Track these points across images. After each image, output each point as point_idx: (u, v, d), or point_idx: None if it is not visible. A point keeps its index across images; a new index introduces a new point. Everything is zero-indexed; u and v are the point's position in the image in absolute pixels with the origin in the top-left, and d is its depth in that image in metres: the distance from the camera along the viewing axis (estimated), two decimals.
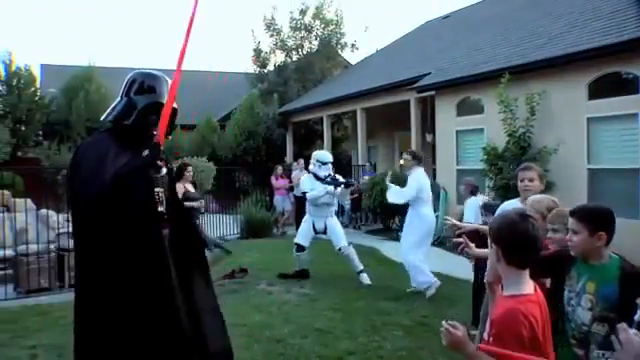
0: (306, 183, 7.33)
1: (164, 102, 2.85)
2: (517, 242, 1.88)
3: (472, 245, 3.04)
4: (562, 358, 2.31)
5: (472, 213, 6.15)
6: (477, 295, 4.75)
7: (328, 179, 7.13)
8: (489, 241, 2.01)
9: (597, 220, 2.30)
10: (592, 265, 2.33)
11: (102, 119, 2.89)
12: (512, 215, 1.95)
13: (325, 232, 7.30)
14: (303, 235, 7.26)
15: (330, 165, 7.35)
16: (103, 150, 2.64)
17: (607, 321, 2.23)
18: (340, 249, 7.09)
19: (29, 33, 61.18)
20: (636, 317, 1.71)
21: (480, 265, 4.58)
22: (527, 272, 1.91)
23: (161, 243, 2.64)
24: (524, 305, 1.81)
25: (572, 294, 2.37)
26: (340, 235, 7.19)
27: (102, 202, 2.53)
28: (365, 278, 6.88)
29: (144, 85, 2.85)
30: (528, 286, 1.90)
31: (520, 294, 1.86)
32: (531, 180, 3.70)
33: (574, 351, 2.37)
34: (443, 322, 1.82)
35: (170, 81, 2.94)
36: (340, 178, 7.36)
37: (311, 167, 7.34)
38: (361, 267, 6.98)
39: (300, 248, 7.18)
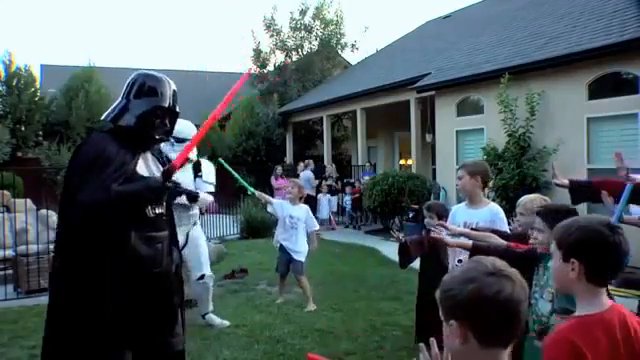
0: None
1: (165, 105, 2.85)
2: (606, 258, 1.64)
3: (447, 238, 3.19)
4: (525, 351, 2.43)
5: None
6: (420, 309, 4.46)
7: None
8: (554, 247, 1.76)
9: (558, 219, 2.30)
10: None
11: (102, 118, 2.89)
12: (598, 226, 1.67)
13: (184, 248, 4.76)
14: None
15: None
16: (105, 154, 2.63)
17: (566, 313, 2.27)
18: (202, 277, 5.12)
19: (29, 33, 61.23)
20: None
21: (427, 273, 4.46)
22: (604, 290, 1.69)
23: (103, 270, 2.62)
24: (578, 329, 1.59)
25: (537, 288, 2.49)
26: (203, 258, 5.19)
27: (97, 209, 2.55)
28: (214, 319, 5.26)
29: (145, 87, 2.84)
30: (601, 303, 1.66)
31: (585, 315, 1.64)
32: (460, 178, 3.76)
33: (534, 343, 2.43)
34: None
35: (173, 86, 2.93)
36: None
37: (162, 146, 4.36)
38: (211, 308, 5.33)
39: None
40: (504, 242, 3.02)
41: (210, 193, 5.21)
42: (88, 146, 2.72)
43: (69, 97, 18.31)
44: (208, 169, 5.37)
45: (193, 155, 5.03)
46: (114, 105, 2.87)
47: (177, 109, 2.93)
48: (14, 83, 17.90)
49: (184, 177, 4.79)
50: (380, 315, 5.49)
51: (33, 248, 6.88)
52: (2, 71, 18.00)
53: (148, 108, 2.79)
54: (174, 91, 2.92)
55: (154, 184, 2.67)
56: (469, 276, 1.31)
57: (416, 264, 4.59)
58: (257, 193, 6.14)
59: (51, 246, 7.18)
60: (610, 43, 7.48)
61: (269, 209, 6.48)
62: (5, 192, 9.24)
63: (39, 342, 4.69)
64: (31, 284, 6.71)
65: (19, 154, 17.42)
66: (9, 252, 7.35)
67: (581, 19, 9.07)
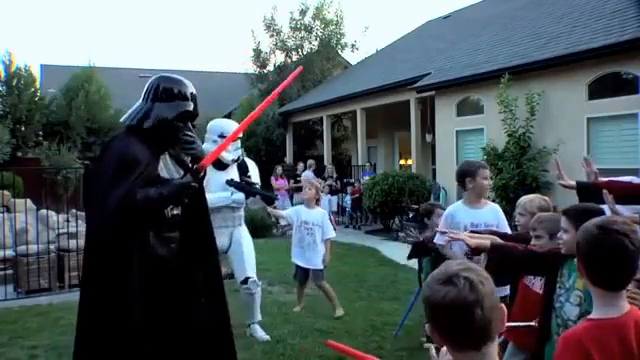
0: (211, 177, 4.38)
1: (190, 109, 2.87)
2: (599, 260, 1.62)
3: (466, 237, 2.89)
4: (546, 356, 2.36)
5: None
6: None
7: (241, 183, 4.71)
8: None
9: (584, 219, 2.30)
10: None
11: (122, 120, 2.91)
12: (591, 227, 1.66)
13: (227, 251, 4.74)
14: None
15: (238, 141, 4.73)
16: (131, 156, 2.66)
17: None
18: (246, 281, 4.66)
19: (29, 33, 61.25)
20: None
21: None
22: (619, 294, 1.64)
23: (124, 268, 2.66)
24: (588, 331, 1.57)
25: (562, 290, 2.42)
26: (247, 260, 4.72)
27: (124, 214, 2.59)
28: (258, 331, 4.81)
29: (168, 90, 2.85)
30: (616, 308, 1.62)
31: (597, 318, 1.62)
32: (491, 178, 3.96)
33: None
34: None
35: (192, 87, 2.95)
36: (255, 183, 4.88)
37: (206, 145, 4.45)
38: (257, 318, 4.84)
39: None
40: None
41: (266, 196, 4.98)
42: (114, 148, 2.75)
43: (69, 97, 18.31)
44: (254, 170, 5.05)
45: (240, 154, 4.90)
46: (135, 107, 2.87)
47: (197, 111, 2.96)
48: (14, 83, 17.88)
49: (230, 177, 4.71)
50: (380, 315, 5.50)
51: (33, 248, 6.88)
52: (2, 71, 17.99)
53: (176, 113, 2.81)
54: (193, 93, 2.94)
55: (181, 184, 2.73)
56: (429, 281, 1.31)
57: (415, 264, 4.59)
58: (269, 209, 5.88)
59: (51, 246, 7.21)
60: (610, 43, 7.48)
61: (282, 222, 6.38)
62: (5, 192, 9.24)
63: (39, 342, 4.74)
64: (31, 284, 6.71)
65: (19, 154, 17.41)
66: (9, 252, 7.34)
67: (581, 19, 9.07)
